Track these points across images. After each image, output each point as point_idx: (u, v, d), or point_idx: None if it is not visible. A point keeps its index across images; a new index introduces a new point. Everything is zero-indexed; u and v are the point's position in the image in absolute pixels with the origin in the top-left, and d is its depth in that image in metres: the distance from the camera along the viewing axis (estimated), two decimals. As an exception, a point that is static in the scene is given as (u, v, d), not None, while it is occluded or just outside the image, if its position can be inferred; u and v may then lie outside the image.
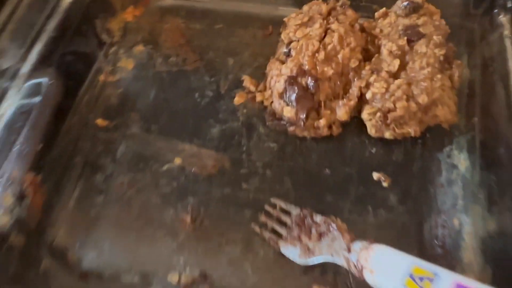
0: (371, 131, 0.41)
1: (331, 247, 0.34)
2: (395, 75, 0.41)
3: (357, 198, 0.39)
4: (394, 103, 0.39)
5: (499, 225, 0.32)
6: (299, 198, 0.39)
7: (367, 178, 0.39)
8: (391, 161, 0.40)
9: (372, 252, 0.30)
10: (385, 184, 0.39)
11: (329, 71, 0.41)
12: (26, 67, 0.38)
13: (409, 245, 0.35)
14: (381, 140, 0.41)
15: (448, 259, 0.34)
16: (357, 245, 0.32)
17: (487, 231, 0.33)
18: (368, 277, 0.30)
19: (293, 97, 0.41)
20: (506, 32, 0.36)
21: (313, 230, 0.35)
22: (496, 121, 0.34)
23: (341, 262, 0.32)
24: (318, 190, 0.39)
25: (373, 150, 0.41)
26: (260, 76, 0.45)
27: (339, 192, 0.39)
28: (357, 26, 0.44)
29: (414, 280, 0.27)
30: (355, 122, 0.42)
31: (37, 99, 0.40)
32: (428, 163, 0.39)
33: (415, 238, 0.36)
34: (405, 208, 0.38)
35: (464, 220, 0.35)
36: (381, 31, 0.44)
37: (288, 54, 0.43)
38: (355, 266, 0.31)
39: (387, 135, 0.40)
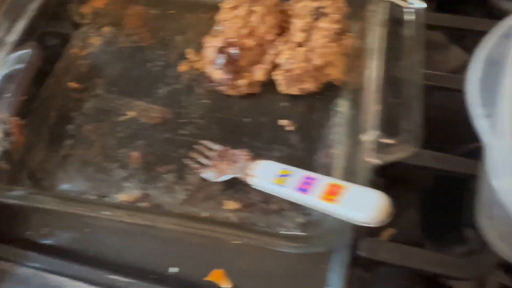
0: (281, 88, 0.52)
1: (236, 168, 0.45)
2: (300, 45, 0.52)
3: (267, 139, 0.49)
4: (295, 65, 0.50)
5: (354, 146, 0.42)
6: (223, 140, 0.50)
7: (276, 124, 0.50)
8: (296, 111, 0.51)
9: (257, 165, 0.41)
10: (290, 129, 0.50)
11: (250, 43, 0.52)
12: (13, 38, 0.50)
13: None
14: (290, 96, 0.52)
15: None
16: (251, 164, 0.43)
17: (348, 152, 0.44)
18: (251, 180, 0.41)
19: (221, 63, 0.52)
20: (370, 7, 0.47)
21: (228, 160, 0.46)
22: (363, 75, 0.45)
23: (240, 175, 0.43)
24: (238, 134, 0.50)
25: (283, 104, 0.52)
26: (201, 49, 0.56)
27: (254, 135, 0.50)
28: (276, 8, 0.55)
29: (278, 177, 0.38)
30: (271, 83, 0.53)
31: (22, 65, 0.52)
32: (323, 112, 0.50)
33: (308, 167, 0.47)
34: (303, 145, 0.49)
35: (339, 148, 0.46)
36: (296, 12, 0.55)
37: (220, 30, 0.54)
38: (245, 176, 0.42)
39: (294, 91, 0.51)
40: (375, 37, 0.46)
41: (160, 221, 0.43)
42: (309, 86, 0.50)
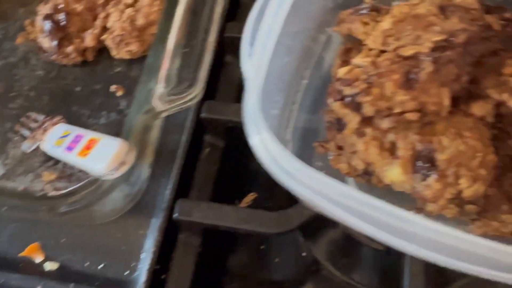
0: (113, 53, 0.49)
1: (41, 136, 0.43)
2: (130, 6, 0.49)
3: (97, 106, 0.47)
4: (118, 26, 0.47)
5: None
6: (53, 110, 0.47)
7: (107, 91, 0.48)
8: (130, 76, 0.49)
9: (52, 129, 0.40)
10: (119, 94, 0.48)
11: (79, 7, 0.50)
12: None
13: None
14: (126, 61, 0.49)
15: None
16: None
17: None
18: (41, 146, 0.39)
19: (49, 30, 0.49)
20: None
21: (43, 129, 0.44)
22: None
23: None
24: (69, 103, 0.48)
25: (118, 69, 0.49)
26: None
27: (84, 103, 0.48)
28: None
29: (59, 139, 0.36)
30: (107, 49, 0.50)
31: None
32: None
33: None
34: (130, 110, 0.46)
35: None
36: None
37: (49, -2, 0.51)
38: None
39: (124, 54, 0.49)
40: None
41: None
42: (135, 47, 0.47)
